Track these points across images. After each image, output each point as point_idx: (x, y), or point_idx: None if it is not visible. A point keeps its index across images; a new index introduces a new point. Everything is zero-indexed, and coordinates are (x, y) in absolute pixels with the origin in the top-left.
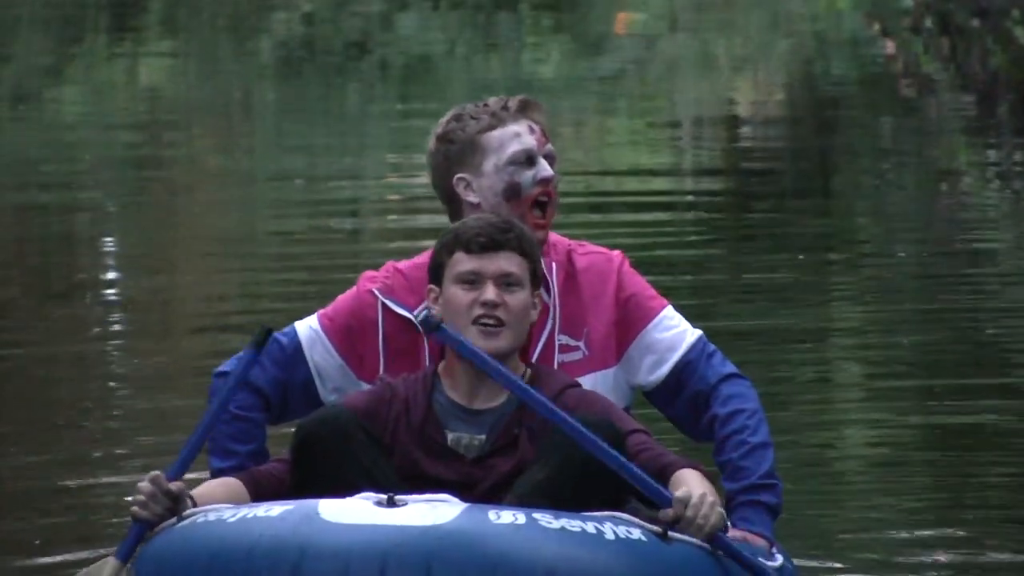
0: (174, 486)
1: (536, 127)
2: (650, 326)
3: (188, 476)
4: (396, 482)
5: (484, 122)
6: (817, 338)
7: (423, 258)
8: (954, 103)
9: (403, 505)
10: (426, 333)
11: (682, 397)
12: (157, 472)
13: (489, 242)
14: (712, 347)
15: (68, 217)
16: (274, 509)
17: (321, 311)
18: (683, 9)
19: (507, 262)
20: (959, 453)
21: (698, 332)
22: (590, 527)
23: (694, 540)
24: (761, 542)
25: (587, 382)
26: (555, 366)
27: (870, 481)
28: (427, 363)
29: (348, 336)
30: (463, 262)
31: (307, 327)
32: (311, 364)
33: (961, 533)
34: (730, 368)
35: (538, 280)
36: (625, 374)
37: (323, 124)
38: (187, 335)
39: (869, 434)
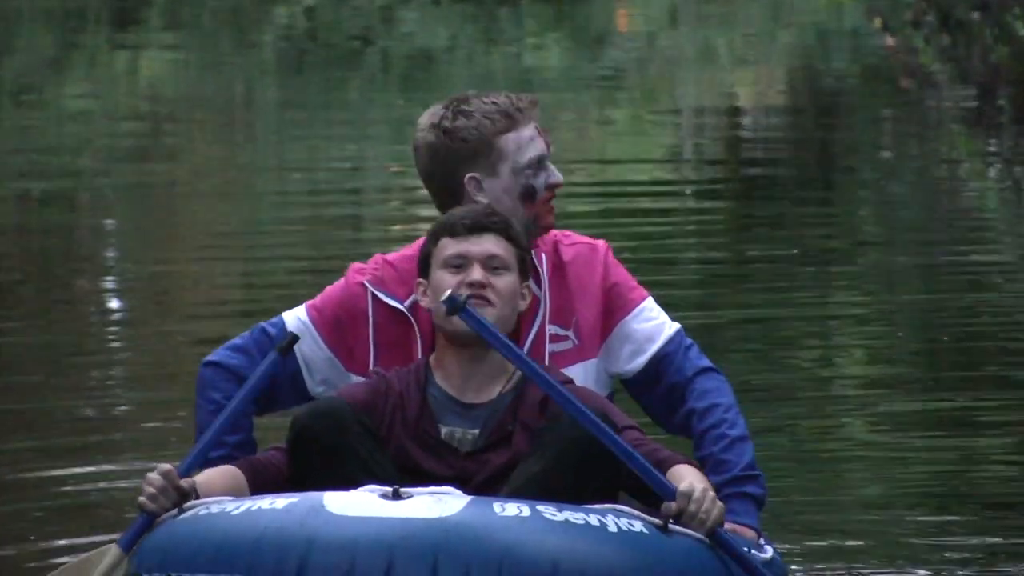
0: (185, 482)
1: (540, 128)
2: (629, 316)
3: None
4: (393, 475)
5: (499, 123)
6: (817, 327)
7: (412, 249)
8: (954, 97)
9: (408, 498)
10: (450, 314)
11: (658, 388)
12: (169, 466)
13: (474, 224)
14: (689, 341)
15: (69, 208)
16: (278, 502)
17: (309, 303)
18: (684, 5)
19: (493, 245)
20: (958, 442)
21: (676, 325)
22: (593, 519)
23: (693, 533)
24: (750, 533)
25: (578, 371)
26: (546, 356)
27: (869, 470)
28: (419, 355)
29: (337, 328)
30: (449, 246)
31: (295, 318)
32: (299, 356)
33: (961, 521)
34: (706, 362)
35: (526, 269)
36: (604, 362)
37: (324, 118)
38: (187, 324)
39: (869, 423)
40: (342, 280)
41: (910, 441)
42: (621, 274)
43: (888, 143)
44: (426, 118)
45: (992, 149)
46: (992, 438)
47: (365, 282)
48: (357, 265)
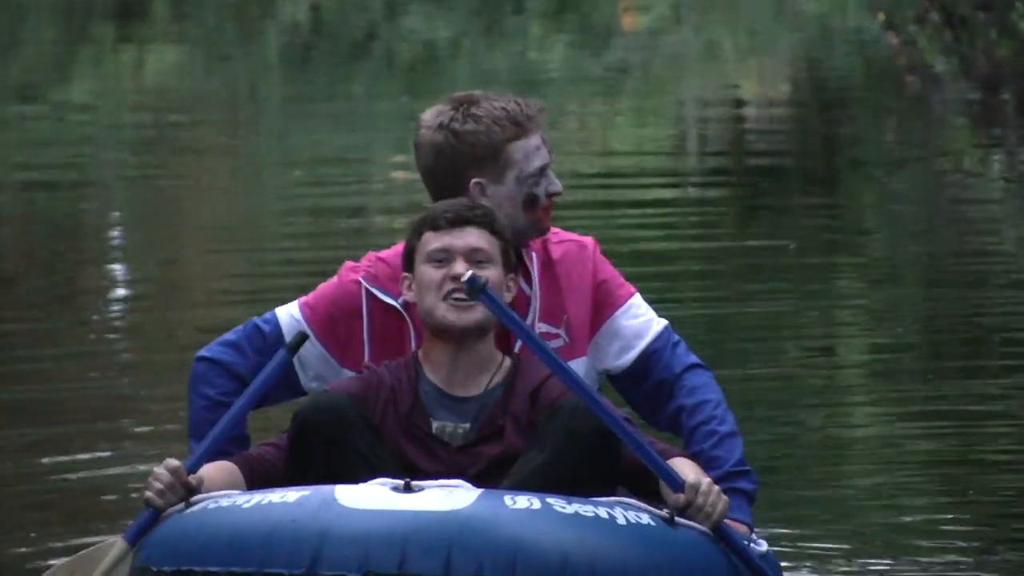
0: (192, 478)
1: (544, 136)
2: (618, 313)
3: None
4: (393, 468)
5: (509, 131)
6: (819, 318)
7: (404, 246)
8: (958, 94)
9: (419, 491)
10: (469, 295)
11: (646, 384)
12: (176, 463)
13: (457, 218)
14: (677, 337)
15: (75, 200)
16: (290, 495)
17: (302, 299)
18: (688, 2)
19: (476, 238)
20: (960, 433)
21: (664, 322)
22: (602, 512)
23: (698, 526)
24: (743, 529)
25: None
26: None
27: (870, 460)
28: (413, 349)
29: (330, 325)
30: (432, 241)
31: (288, 315)
32: None
33: (962, 513)
34: (693, 359)
35: (510, 261)
36: (593, 359)
37: (329, 113)
38: (194, 316)
39: (871, 413)
40: (335, 278)
41: (912, 432)
42: (609, 271)
43: (892, 138)
44: (432, 116)
45: (995, 144)
46: (994, 428)
47: (360, 279)
48: (350, 263)
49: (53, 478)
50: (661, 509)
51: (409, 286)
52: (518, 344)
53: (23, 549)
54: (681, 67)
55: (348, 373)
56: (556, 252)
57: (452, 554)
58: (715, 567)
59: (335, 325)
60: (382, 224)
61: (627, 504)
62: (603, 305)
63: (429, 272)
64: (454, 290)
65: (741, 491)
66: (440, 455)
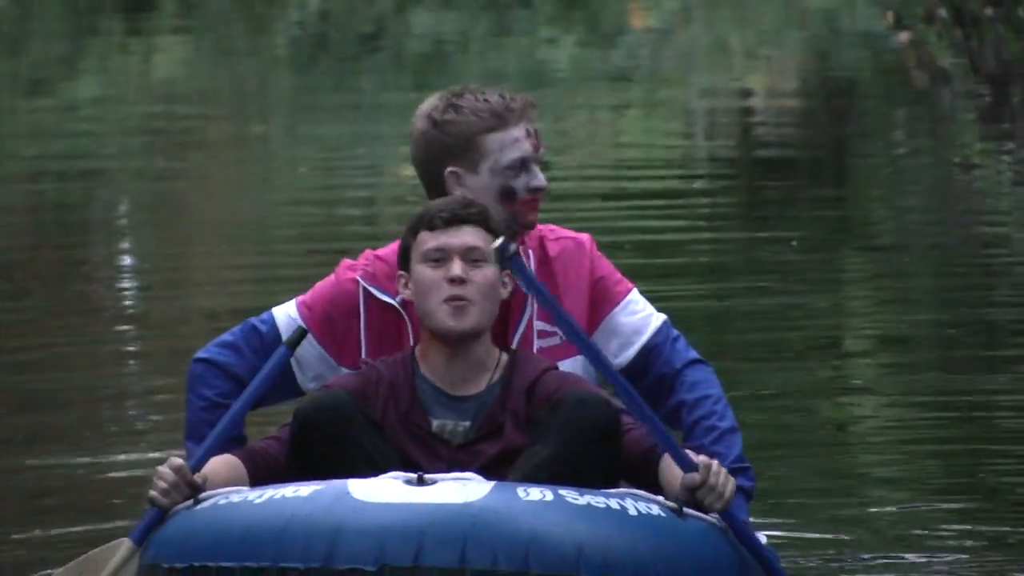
0: (197, 476)
1: (532, 131)
2: (616, 310)
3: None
4: (397, 465)
5: (486, 122)
6: (829, 311)
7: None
8: (967, 92)
9: (433, 484)
10: (500, 261)
11: (646, 380)
12: (180, 461)
13: (452, 217)
14: (676, 332)
15: (83, 195)
16: (302, 490)
17: (299, 298)
18: (697, 3)
19: (472, 237)
20: (971, 426)
21: (663, 317)
22: (613, 503)
23: (706, 517)
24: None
25: (566, 366)
26: (534, 352)
27: (881, 454)
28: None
29: (328, 324)
30: (428, 240)
31: (285, 315)
32: None
33: (974, 506)
34: (693, 354)
35: (508, 259)
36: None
37: (337, 113)
38: (201, 312)
39: (882, 411)
40: (332, 276)
41: (923, 425)
42: (606, 267)
43: (900, 133)
44: (424, 107)
45: (1005, 141)
46: (1005, 421)
47: (357, 277)
48: (348, 261)
49: (58, 468)
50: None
51: (406, 284)
52: (515, 341)
53: (27, 537)
54: (690, 64)
55: (346, 372)
56: (553, 249)
57: (467, 546)
58: (723, 557)
59: (333, 324)
60: (390, 216)
61: (637, 495)
62: (601, 302)
63: (426, 272)
64: (452, 295)
65: (739, 488)
66: (441, 453)
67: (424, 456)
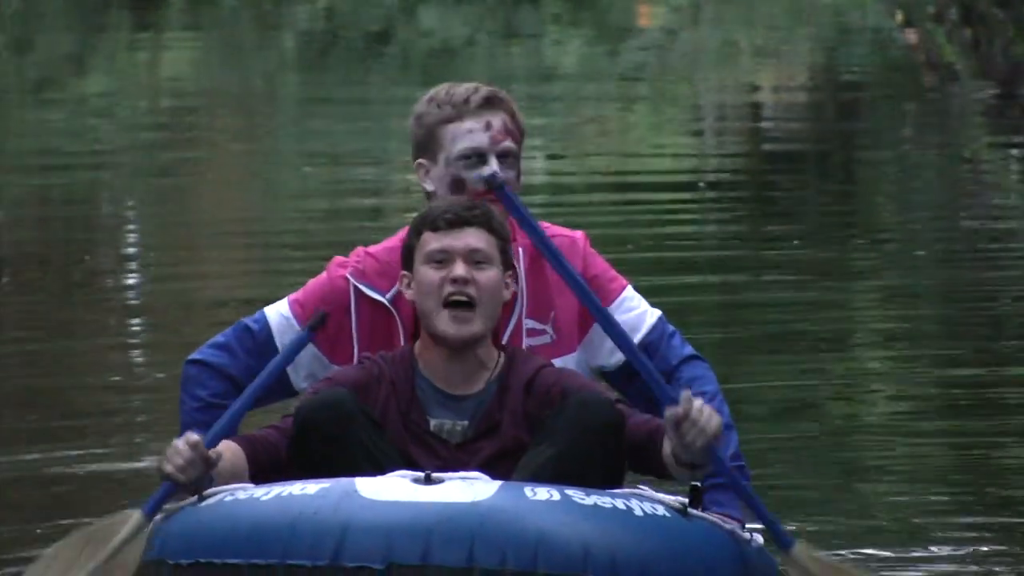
0: (212, 453)
1: (496, 123)
2: (611, 307)
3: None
4: (397, 462)
5: (445, 113)
6: (837, 308)
7: (394, 241)
8: (976, 92)
9: (440, 483)
10: (489, 188)
11: (641, 378)
12: (196, 437)
13: (456, 219)
14: (671, 328)
15: (90, 195)
16: (309, 487)
17: (292, 296)
18: (706, 1)
19: (475, 239)
20: (979, 421)
21: (657, 312)
22: (620, 503)
23: (710, 517)
24: (735, 522)
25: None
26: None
27: (889, 449)
28: (401, 346)
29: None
30: (431, 241)
31: (278, 314)
32: (281, 351)
33: (981, 500)
34: (689, 350)
35: (509, 261)
36: (586, 356)
37: (345, 110)
38: (207, 309)
39: (889, 403)
40: (324, 274)
41: (931, 420)
42: (600, 265)
43: (909, 132)
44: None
45: (1013, 140)
46: (1013, 416)
47: (347, 275)
48: (339, 259)
49: (64, 459)
50: (667, 478)
51: (408, 284)
52: (505, 339)
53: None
54: (698, 63)
55: (347, 366)
56: None
57: (475, 545)
58: (727, 557)
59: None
60: (397, 212)
61: (642, 495)
62: None
63: (428, 274)
64: (454, 293)
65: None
66: (440, 452)
67: (423, 455)
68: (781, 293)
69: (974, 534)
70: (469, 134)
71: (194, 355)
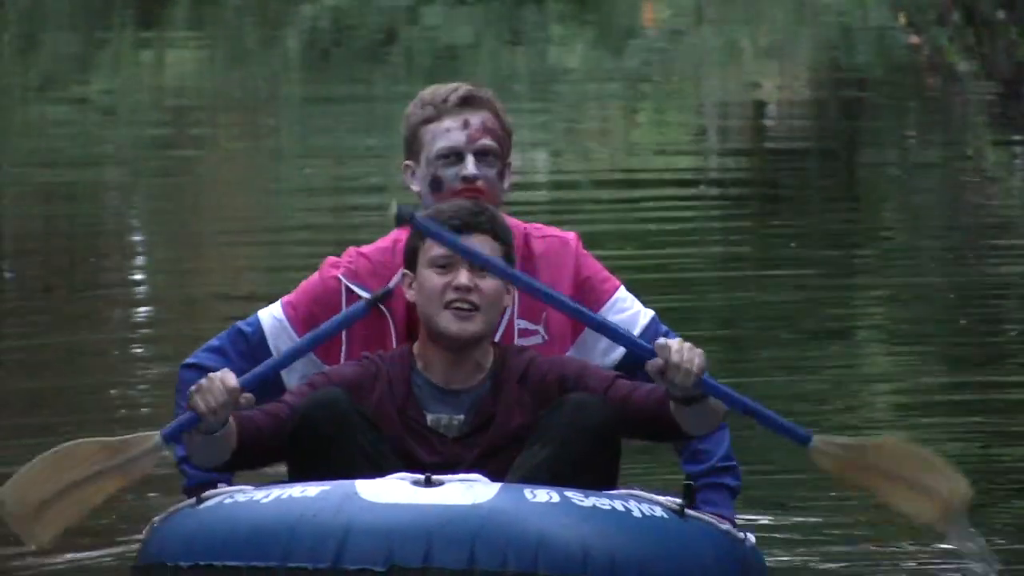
0: (244, 398)
1: (474, 121)
2: (604, 308)
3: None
4: (394, 462)
5: (426, 113)
6: (840, 308)
7: (386, 241)
8: (979, 94)
9: (440, 485)
10: (398, 224)
11: (636, 379)
12: (234, 382)
13: (461, 225)
14: (664, 327)
15: (94, 196)
16: (309, 489)
17: (285, 298)
18: (709, 2)
19: (480, 246)
20: (983, 422)
21: (650, 312)
22: (618, 505)
23: (706, 517)
24: (726, 523)
25: None
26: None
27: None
28: (392, 347)
29: (312, 324)
30: (436, 246)
31: (271, 316)
32: (275, 353)
33: (986, 502)
34: None
35: (512, 264)
36: (580, 356)
37: (349, 112)
38: (211, 308)
39: (892, 403)
40: (316, 275)
41: (934, 421)
42: (593, 266)
43: (912, 135)
44: None
45: (1015, 140)
46: (1018, 416)
47: (339, 275)
48: (332, 259)
49: None
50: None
51: (410, 284)
52: (496, 338)
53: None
54: (702, 64)
55: (344, 363)
56: (537, 248)
57: (476, 548)
58: (723, 556)
59: (316, 323)
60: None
61: (639, 497)
62: (587, 302)
63: (432, 278)
64: (456, 300)
65: (725, 486)
66: (437, 447)
67: (420, 450)
68: (783, 291)
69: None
70: (447, 133)
71: (189, 359)
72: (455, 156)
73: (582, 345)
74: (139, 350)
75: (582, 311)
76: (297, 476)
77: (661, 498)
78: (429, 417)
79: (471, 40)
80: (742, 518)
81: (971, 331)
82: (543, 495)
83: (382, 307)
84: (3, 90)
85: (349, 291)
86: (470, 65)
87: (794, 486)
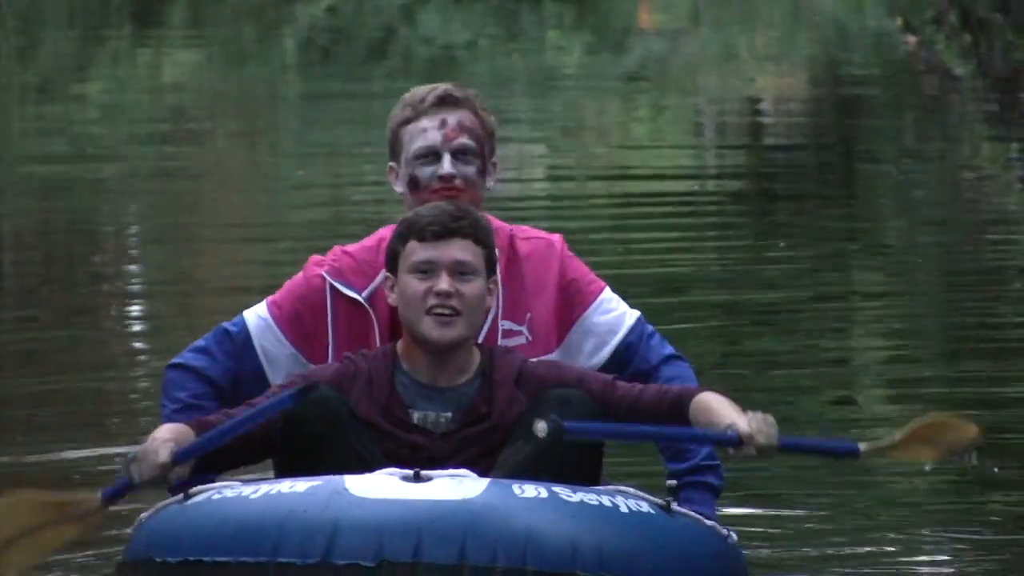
0: (173, 474)
1: (451, 121)
2: (590, 310)
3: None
4: (381, 459)
5: (406, 114)
6: (838, 308)
7: (371, 240)
8: (976, 96)
9: (429, 480)
10: (551, 439)
11: (628, 372)
12: (167, 457)
13: (442, 230)
14: (651, 328)
15: (92, 195)
16: (298, 485)
17: (270, 298)
18: (706, 3)
19: (461, 251)
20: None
21: (636, 313)
22: (605, 500)
23: (691, 513)
24: (711, 521)
25: None
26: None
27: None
28: (377, 345)
29: (297, 322)
30: (417, 251)
31: (256, 316)
32: (261, 353)
33: (985, 501)
34: (669, 350)
35: (493, 267)
36: (566, 358)
37: (345, 116)
38: (209, 307)
39: (890, 401)
40: (300, 273)
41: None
42: (578, 268)
43: (909, 136)
44: None
45: (1013, 144)
46: (1016, 410)
47: (323, 273)
48: (316, 257)
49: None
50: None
51: (392, 287)
52: (480, 339)
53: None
54: (699, 66)
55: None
56: (522, 249)
57: (466, 543)
58: (709, 551)
59: (302, 321)
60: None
61: (626, 493)
62: (573, 304)
63: (413, 284)
64: (437, 305)
65: (707, 485)
66: (424, 443)
67: (407, 447)
68: (780, 290)
69: (978, 535)
70: (424, 133)
71: (174, 360)
72: (432, 155)
73: (568, 347)
74: (137, 345)
75: (663, 431)
76: (286, 473)
77: (646, 495)
78: (415, 414)
79: (468, 41)
80: (733, 512)
81: (967, 325)
82: (531, 490)
83: (366, 304)
84: (2, 89)
85: (334, 289)
86: (467, 68)
87: (781, 481)
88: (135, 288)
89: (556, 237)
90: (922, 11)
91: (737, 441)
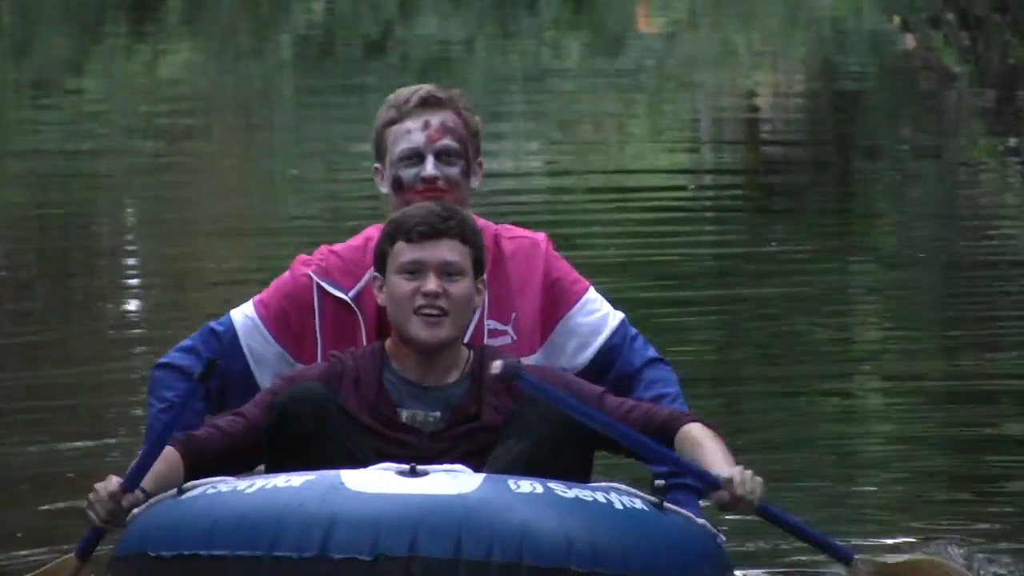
0: (127, 500)
1: (434, 122)
2: (574, 310)
3: None
4: (371, 456)
5: (390, 115)
6: (834, 303)
7: (358, 239)
8: (974, 96)
9: (424, 475)
10: (503, 380)
11: (605, 380)
12: (114, 488)
13: (430, 231)
14: (634, 330)
15: (88, 194)
16: (294, 479)
17: (257, 297)
18: (703, 3)
19: (449, 251)
20: (977, 414)
21: (620, 315)
22: (600, 497)
23: (683, 511)
24: (702, 519)
25: None
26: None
27: (886, 444)
28: (363, 344)
29: (284, 321)
30: (404, 252)
31: (242, 315)
32: (247, 353)
33: (980, 494)
34: (652, 352)
35: (481, 267)
36: (549, 358)
37: (341, 115)
38: (205, 305)
39: (886, 395)
40: (287, 273)
41: (928, 413)
42: (562, 268)
43: (906, 135)
44: None
45: (1010, 144)
46: (1010, 405)
47: (310, 272)
48: (303, 256)
49: (61, 454)
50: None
51: (380, 288)
52: (466, 339)
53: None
54: (696, 66)
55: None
56: (508, 248)
57: (462, 537)
58: (700, 548)
59: (289, 320)
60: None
61: (620, 489)
62: (557, 303)
63: (400, 284)
64: (425, 306)
65: (691, 487)
66: (413, 442)
67: (396, 445)
68: (777, 285)
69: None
70: (407, 134)
71: (161, 360)
72: (416, 157)
73: (552, 346)
74: (133, 338)
75: (650, 446)
76: (277, 470)
77: (639, 492)
78: (404, 413)
79: (464, 40)
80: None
81: (963, 319)
82: (527, 486)
83: (353, 304)
84: None
85: (320, 288)
86: (463, 68)
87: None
88: (131, 282)
89: (541, 236)
90: (920, 11)
91: (717, 484)
